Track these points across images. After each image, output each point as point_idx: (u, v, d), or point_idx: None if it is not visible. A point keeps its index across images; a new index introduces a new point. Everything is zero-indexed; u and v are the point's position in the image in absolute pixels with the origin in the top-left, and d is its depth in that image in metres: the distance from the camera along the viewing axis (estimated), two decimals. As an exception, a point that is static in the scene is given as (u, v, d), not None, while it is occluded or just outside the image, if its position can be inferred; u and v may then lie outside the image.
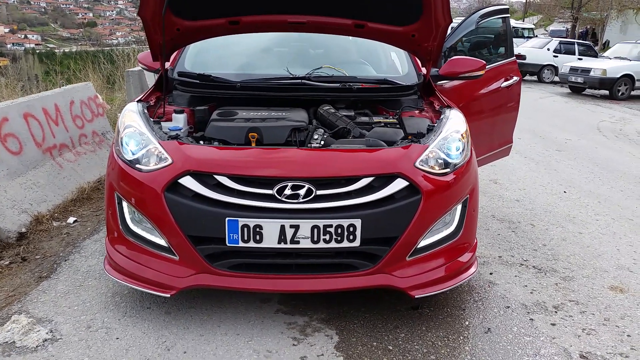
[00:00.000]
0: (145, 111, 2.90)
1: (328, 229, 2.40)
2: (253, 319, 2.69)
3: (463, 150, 2.75)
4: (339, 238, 2.41)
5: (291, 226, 2.39)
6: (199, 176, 2.45)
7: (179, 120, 3.00)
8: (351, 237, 2.42)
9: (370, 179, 2.47)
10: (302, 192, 2.39)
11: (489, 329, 2.68)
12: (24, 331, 2.55)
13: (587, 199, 4.89)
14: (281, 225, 2.39)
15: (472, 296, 3.01)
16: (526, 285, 3.17)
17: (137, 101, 3.05)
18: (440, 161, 2.63)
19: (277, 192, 2.39)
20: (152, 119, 2.87)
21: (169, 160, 2.49)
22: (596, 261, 3.55)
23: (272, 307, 2.80)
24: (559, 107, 11.59)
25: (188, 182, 2.44)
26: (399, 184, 2.48)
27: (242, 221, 2.38)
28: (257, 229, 2.39)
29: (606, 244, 3.84)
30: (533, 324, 2.74)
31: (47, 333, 2.56)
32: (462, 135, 2.79)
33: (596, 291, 3.13)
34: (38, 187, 4.25)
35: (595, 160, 6.47)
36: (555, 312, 2.88)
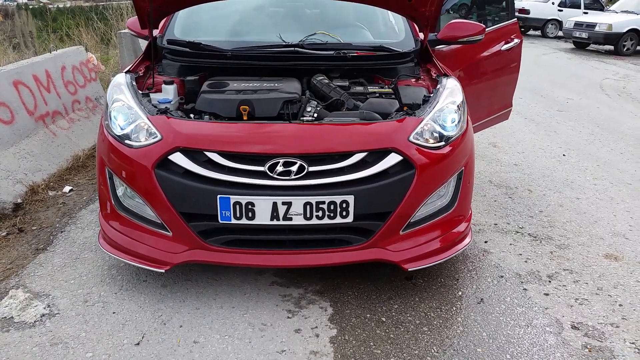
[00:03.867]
0: (134, 83, 2.83)
1: (321, 206, 2.38)
2: (248, 292, 2.71)
3: (459, 121, 2.70)
4: (332, 214, 2.40)
5: (283, 203, 2.37)
6: (189, 152, 2.41)
7: (169, 92, 2.93)
8: (344, 213, 2.41)
9: (364, 154, 2.43)
10: (294, 168, 2.36)
11: (482, 299, 2.71)
12: (21, 306, 2.58)
13: (586, 163, 4.85)
14: (273, 203, 2.37)
15: (466, 265, 3.02)
16: (521, 254, 3.18)
17: (126, 72, 2.98)
18: (435, 134, 2.59)
19: (269, 168, 2.36)
20: (141, 91, 2.81)
21: (158, 136, 2.45)
22: (592, 228, 3.55)
23: (268, 279, 2.82)
24: (562, 64, 11.38)
25: (178, 158, 2.41)
26: (392, 159, 2.45)
27: (233, 198, 2.36)
28: (249, 206, 2.37)
29: (603, 210, 3.84)
30: (526, 294, 2.77)
31: (44, 308, 2.59)
32: (458, 106, 2.74)
33: (591, 259, 3.14)
34: (32, 156, 4.22)
35: (596, 120, 6.40)
36: (549, 281, 2.90)
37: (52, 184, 4.15)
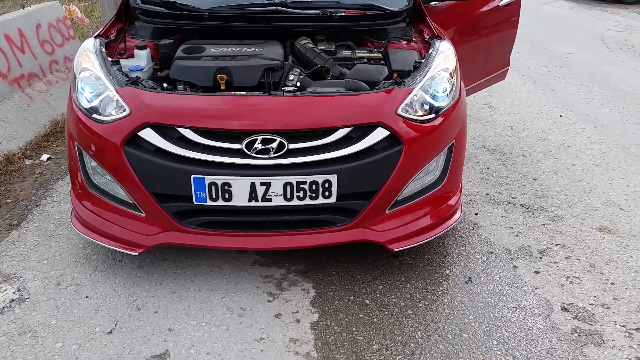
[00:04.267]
0: (103, 50, 2.63)
1: (302, 186, 2.25)
2: (228, 273, 2.61)
3: (451, 90, 2.53)
4: (313, 195, 2.27)
5: (262, 183, 2.23)
6: (160, 129, 2.25)
7: (141, 58, 2.73)
8: (327, 193, 2.27)
9: (348, 129, 2.27)
10: (273, 146, 2.21)
11: (469, 278, 2.62)
12: (-10, 291, 2.49)
13: (584, 124, 4.69)
14: (251, 183, 2.23)
15: (455, 241, 2.93)
16: (512, 227, 3.08)
17: (95, 36, 2.77)
18: (425, 105, 2.42)
19: (246, 146, 2.21)
20: (111, 59, 2.61)
21: (127, 111, 2.28)
22: (587, 197, 3.44)
23: (249, 258, 2.72)
24: (563, 14, 10.98)
25: (149, 135, 2.25)
26: (379, 134, 2.29)
27: (208, 179, 2.22)
28: (226, 187, 2.23)
29: (599, 177, 3.71)
30: (516, 272, 2.68)
31: (14, 293, 2.49)
32: (450, 73, 2.55)
33: (584, 233, 3.04)
34: (7, 122, 4.04)
35: (595, 77, 6.18)
36: (540, 258, 2.81)
37: (28, 152, 3.98)
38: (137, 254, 2.40)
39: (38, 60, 4.62)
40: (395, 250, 2.46)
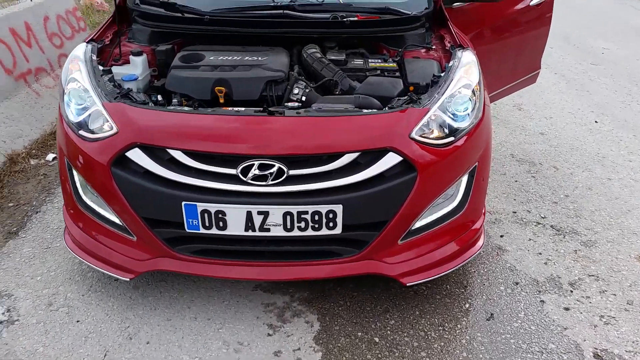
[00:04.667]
0: (94, 57, 2.43)
1: (303, 216, 2.03)
2: (228, 298, 2.42)
3: (473, 109, 2.26)
4: (316, 226, 2.05)
5: (259, 212, 2.02)
6: (150, 149, 2.05)
7: (136, 65, 2.53)
8: (331, 224, 2.05)
9: (356, 154, 2.03)
10: (271, 172, 1.99)
11: (491, 314, 2.38)
12: (-23, 312, 2.35)
13: (621, 132, 4.35)
14: (247, 212, 2.02)
15: (477, 268, 2.68)
16: (540, 253, 2.81)
17: (88, 41, 2.57)
18: (443, 127, 2.17)
19: (242, 172, 1.99)
20: (102, 68, 2.41)
21: (114, 129, 2.08)
22: (624, 219, 3.14)
23: (251, 283, 2.52)
24: (600, 5, 10.41)
25: (137, 156, 2.05)
26: (390, 160, 2.05)
27: (201, 206, 2.02)
28: (220, 215, 2.03)
29: (638, 195, 3.40)
30: (543, 309, 2.42)
31: (3, 314, 2.35)
32: (473, 90, 2.29)
33: (620, 262, 2.76)
34: (12, 120, 3.91)
35: (634, 77, 5.77)
36: (571, 291, 2.54)
37: (34, 151, 3.85)
38: (128, 279, 2.23)
39: (46, 54, 4.48)
40: (408, 284, 2.23)
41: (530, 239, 2.93)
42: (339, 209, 2.02)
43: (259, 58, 2.46)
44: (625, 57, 6.56)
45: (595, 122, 4.55)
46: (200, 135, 2.04)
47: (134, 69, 2.51)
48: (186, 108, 2.21)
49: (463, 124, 2.21)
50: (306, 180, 2.02)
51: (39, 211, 3.14)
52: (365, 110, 2.18)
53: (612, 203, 3.30)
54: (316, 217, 2.03)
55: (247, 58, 2.46)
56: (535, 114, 4.69)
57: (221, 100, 2.33)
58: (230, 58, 2.46)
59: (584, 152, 3.98)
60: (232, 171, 2.00)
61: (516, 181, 3.54)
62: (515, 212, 3.17)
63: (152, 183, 2.04)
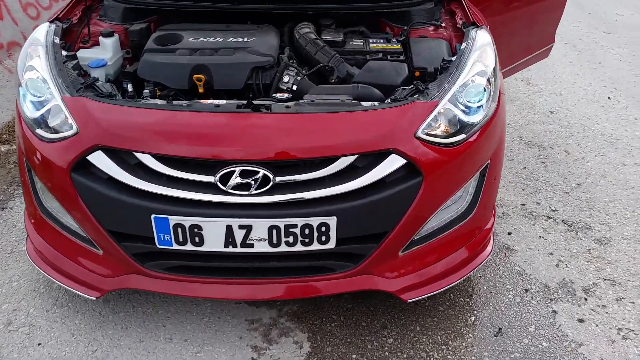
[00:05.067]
0: (56, 40, 2.12)
1: (291, 230, 1.77)
2: (208, 314, 2.19)
3: (488, 100, 1.98)
4: (306, 240, 1.80)
5: (241, 227, 1.76)
6: (114, 153, 1.78)
7: (106, 48, 2.24)
8: (323, 238, 1.80)
9: (353, 158, 1.76)
10: (255, 179, 1.72)
11: (499, 329, 2.16)
12: None
13: (636, 110, 4.06)
14: (227, 226, 1.76)
15: (484, 272, 2.45)
16: (551, 253, 2.58)
17: (52, 21, 2.25)
18: (453, 122, 1.89)
19: (221, 180, 1.73)
20: (67, 53, 2.11)
21: (74, 129, 1.80)
22: (641, 212, 2.90)
23: (234, 293, 2.28)
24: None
25: (99, 160, 1.77)
26: (392, 164, 1.78)
27: (173, 219, 1.76)
28: (195, 230, 1.77)
29: (655, 183, 3.15)
30: (555, 321, 2.21)
31: (-43, 334, 2.11)
32: (488, 79, 2.00)
33: (638, 263, 2.53)
34: (-21, 101, 3.61)
35: (649, 46, 5.43)
36: (585, 299, 2.32)
37: (4, 136, 3.55)
38: (94, 298, 1.99)
39: (20, 27, 4.12)
40: (409, 300, 2.00)
41: (540, 237, 2.69)
42: (332, 221, 1.77)
43: (245, 39, 2.16)
44: (639, 24, 6.19)
45: (609, 98, 4.26)
46: (171, 137, 1.76)
47: (103, 52, 2.22)
48: (158, 102, 1.92)
49: (476, 118, 1.93)
50: (295, 188, 1.75)
51: (5, 207, 2.87)
52: (364, 104, 1.90)
53: (627, 193, 3.06)
54: (306, 231, 1.77)
55: (230, 39, 2.17)
56: (544, 89, 4.39)
57: (200, 90, 2.05)
58: (211, 39, 2.17)
59: (597, 133, 3.70)
60: (210, 179, 1.73)
61: (525, 168, 3.28)
62: (524, 205, 2.93)
63: (117, 192, 1.78)
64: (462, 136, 1.89)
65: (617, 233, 2.73)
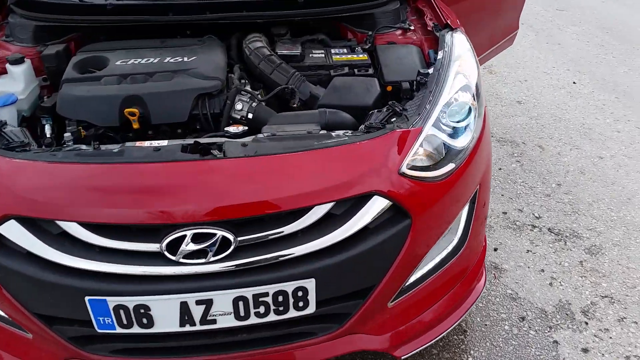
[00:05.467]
0: None
1: (262, 299, 1.46)
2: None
3: (475, 117, 1.72)
4: (280, 308, 1.49)
5: (199, 302, 1.43)
6: (32, 222, 1.41)
7: (16, 79, 1.82)
8: (301, 303, 1.50)
9: (328, 206, 1.46)
10: (211, 244, 1.40)
11: (500, 371, 1.94)
12: None
13: (602, 94, 3.92)
14: (181, 303, 1.43)
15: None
16: (543, 270, 2.38)
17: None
18: (439, 150, 1.62)
19: (168, 248, 1.39)
20: None
21: (-23, 198, 1.42)
22: (626, 212, 2.73)
23: None
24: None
25: (13, 232, 1.39)
26: (375, 207, 1.49)
27: (113, 301, 1.41)
28: (142, 311, 1.43)
29: (635, 176, 3.00)
30: (559, 354, 2.00)
31: None
32: (473, 94, 1.74)
33: (633, 273, 2.37)
34: None
35: (603, 23, 5.32)
36: (586, 323, 2.13)
37: None
38: (25, 393, 1.63)
39: None
40: (403, 357, 1.74)
41: (528, 250, 2.48)
42: (310, 284, 1.46)
43: (185, 59, 1.81)
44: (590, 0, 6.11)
45: (574, 83, 4.11)
46: (100, 198, 1.40)
47: (13, 84, 1.80)
48: (83, 147, 1.55)
49: (463, 141, 1.66)
50: (262, 249, 1.43)
51: None
52: (334, 134, 1.59)
53: (609, 191, 2.89)
54: (280, 299, 1.47)
55: (167, 60, 1.81)
56: (508, 76, 4.20)
57: (135, 126, 1.69)
58: (144, 61, 1.81)
59: (568, 124, 3.54)
60: (154, 247, 1.39)
61: (500, 169, 3.07)
62: (505, 213, 2.71)
63: (39, 269, 1.41)
64: (451, 166, 1.62)
65: (606, 239, 2.56)
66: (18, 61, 1.82)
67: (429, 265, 1.71)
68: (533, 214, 2.71)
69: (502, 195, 2.85)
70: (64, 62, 1.86)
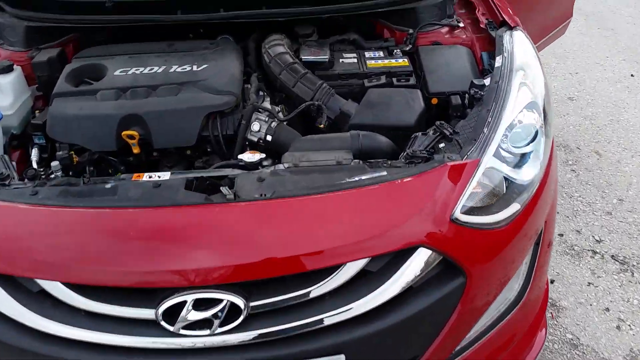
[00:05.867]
0: None
1: (280, 379, 1.19)
2: None
3: (543, 142, 1.40)
4: (305, 390, 1.21)
5: (204, 384, 1.17)
6: (8, 280, 1.15)
7: (3, 91, 1.57)
8: (329, 382, 1.22)
9: (363, 262, 1.17)
10: (218, 312, 1.12)
11: None
12: None
13: (666, 89, 3.50)
14: (182, 384, 1.17)
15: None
16: (608, 309, 2.05)
17: None
18: (500, 186, 1.30)
19: (164, 316, 1.12)
20: None
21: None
22: (703, 235, 2.37)
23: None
24: None
25: None
26: (420, 262, 1.19)
27: (99, 378, 1.15)
28: (135, 392, 1.17)
29: None
30: (633, 420, 1.69)
31: None
32: (540, 112, 1.42)
33: None
34: None
35: (661, 4, 4.83)
36: (664, 379, 1.81)
37: None
38: None
39: None
40: None
41: (589, 283, 2.15)
42: None
43: (194, 68, 1.53)
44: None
45: (632, 75, 3.68)
46: (87, 252, 1.13)
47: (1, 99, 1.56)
48: (73, 180, 1.28)
49: (530, 174, 1.35)
50: (280, 317, 1.16)
51: None
52: (370, 167, 1.28)
53: (681, 208, 2.53)
54: (302, 379, 1.19)
55: (174, 69, 1.53)
56: (557, 68, 3.79)
57: (135, 151, 1.43)
58: (147, 71, 1.53)
59: (627, 125, 3.15)
60: (149, 314, 1.13)
61: (553, 179, 2.72)
62: (562, 236, 2.38)
63: (14, 334, 1.16)
64: (516, 207, 1.30)
65: (680, 269, 2.21)
66: (5, 70, 1.57)
67: (483, 323, 1.41)
68: (593, 236, 2.37)
69: (558, 212, 2.50)
70: (57, 70, 1.61)
